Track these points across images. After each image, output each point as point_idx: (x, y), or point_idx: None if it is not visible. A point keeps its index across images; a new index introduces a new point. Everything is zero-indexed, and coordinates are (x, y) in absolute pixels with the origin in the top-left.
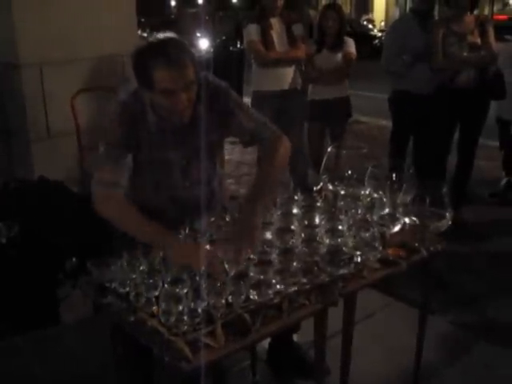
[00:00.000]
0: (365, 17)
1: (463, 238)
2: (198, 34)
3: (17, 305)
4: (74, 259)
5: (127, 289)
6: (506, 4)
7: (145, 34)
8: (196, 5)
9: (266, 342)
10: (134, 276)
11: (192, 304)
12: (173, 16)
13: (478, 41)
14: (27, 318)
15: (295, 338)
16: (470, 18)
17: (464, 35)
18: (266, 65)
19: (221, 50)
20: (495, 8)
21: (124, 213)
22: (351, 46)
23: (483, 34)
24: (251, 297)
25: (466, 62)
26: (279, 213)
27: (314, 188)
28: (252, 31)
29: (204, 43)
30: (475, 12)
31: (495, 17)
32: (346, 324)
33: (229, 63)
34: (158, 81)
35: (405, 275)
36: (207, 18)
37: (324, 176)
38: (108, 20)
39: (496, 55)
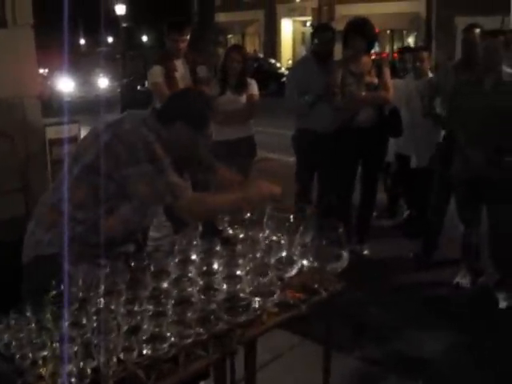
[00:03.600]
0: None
1: (368, 272)
2: (101, 74)
3: None
4: None
5: (12, 350)
6: (405, 43)
7: (41, 71)
8: (106, 43)
9: None
10: (21, 335)
11: (81, 363)
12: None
13: (375, 81)
14: None
15: None
16: (366, 59)
17: (362, 75)
18: None
19: (128, 89)
20: (395, 46)
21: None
22: (254, 88)
23: (380, 74)
24: (145, 351)
25: (364, 101)
26: (176, 260)
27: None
28: (156, 73)
29: (103, 82)
30: (376, 50)
31: (395, 54)
32: (248, 372)
33: (136, 102)
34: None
35: (312, 313)
36: (118, 56)
37: (225, 219)
38: (6, 62)
39: (391, 95)
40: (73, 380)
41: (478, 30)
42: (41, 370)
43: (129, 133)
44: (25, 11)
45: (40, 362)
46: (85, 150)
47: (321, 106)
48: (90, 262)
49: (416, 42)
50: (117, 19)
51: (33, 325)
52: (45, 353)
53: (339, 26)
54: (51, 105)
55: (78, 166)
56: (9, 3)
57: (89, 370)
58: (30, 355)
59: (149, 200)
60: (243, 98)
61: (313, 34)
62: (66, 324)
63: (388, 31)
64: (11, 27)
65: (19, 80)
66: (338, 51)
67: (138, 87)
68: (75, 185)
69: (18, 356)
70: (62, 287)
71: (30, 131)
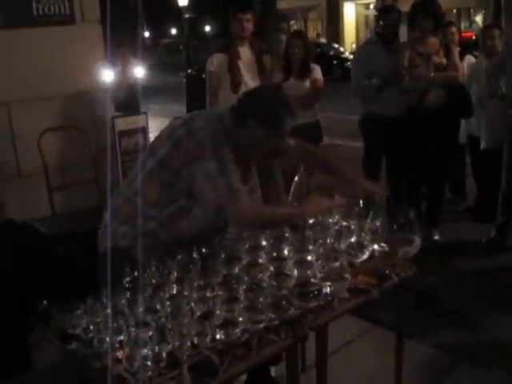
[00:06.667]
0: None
1: (440, 257)
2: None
3: None
4: (45, 302)
5: (90, 334)
6: (473, 21)
7: None
8: (169, 35)
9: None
10: (98, 320)
11: (156, 347)
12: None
13: (444, 61)
14: None
15: (273, 371)
16: (434, 40)
17: (430, 56)
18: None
19: (194, 78)
20: (462, 26)
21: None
22: (318, 72)
23: (448, 54)
24: (218, 336)
25: (433, 82)
26: (247, 246)
27: None
28: (214, 61)
29: (140, 72)
30: (458, 29)
31: (463, 34)
32: (319, 357)
33: (202, 91)
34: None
35: (384, 299)
36: (181, 47)
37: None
38: (76, 56)
39: (460, 75)
40: (149, 363)
41: None
42: (117, 354)
43: (200, 130)
44: (92, 8)
45: (117, 345)
46: (160, 144)
47: (388, 88)
48: (162, 254)
49: (484, 20)
50: (179, 10)
51: (109, 310)
52: (121, 337)
53: (403, 7)
54: None
55: (153, 159)
56: (77, 1)
57: (164, 354)
58: (107, 339)
59: (210, 199)
60: (307, 83)
61: (378, 16)
62: (141, 309)
63: (454, 10)
64: (80, 23)
65: (89, 74)
66: (402, 33)
67: (204, 76)
68: (148, 179)
69: (95, 340)
70: (136, 274)
71: (100, 124)
